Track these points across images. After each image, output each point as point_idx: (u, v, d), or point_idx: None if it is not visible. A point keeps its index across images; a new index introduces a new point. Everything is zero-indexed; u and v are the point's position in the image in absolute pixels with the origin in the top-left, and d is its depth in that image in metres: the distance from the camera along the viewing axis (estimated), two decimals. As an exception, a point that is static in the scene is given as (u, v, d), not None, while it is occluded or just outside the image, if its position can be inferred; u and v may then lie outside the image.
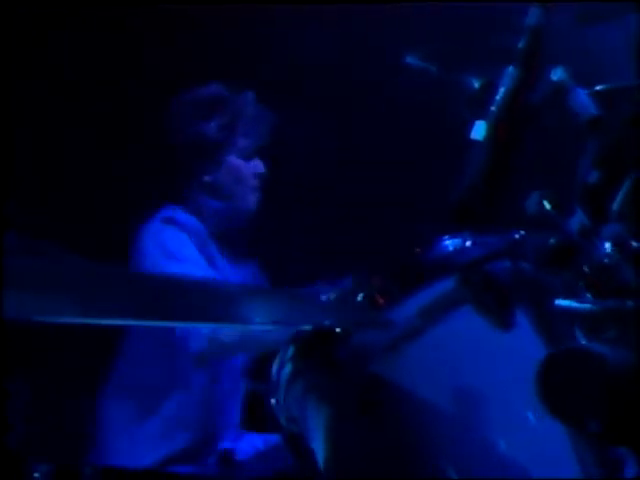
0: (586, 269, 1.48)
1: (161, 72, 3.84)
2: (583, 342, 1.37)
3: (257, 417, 3.05)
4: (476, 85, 1.70)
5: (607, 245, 1.50)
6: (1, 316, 1.08)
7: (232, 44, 3.90)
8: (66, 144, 3.88)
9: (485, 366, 1.49)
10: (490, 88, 1.65)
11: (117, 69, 3.90)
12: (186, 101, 3.17)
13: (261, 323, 1.32)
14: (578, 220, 1.55)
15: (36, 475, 1.68)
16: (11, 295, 1.08)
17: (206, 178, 3.14)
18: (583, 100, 1.61)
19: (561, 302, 1.41)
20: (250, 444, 3.03)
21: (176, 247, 3.03)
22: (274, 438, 2.75)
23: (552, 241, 1.46)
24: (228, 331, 2.82)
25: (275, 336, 1.94)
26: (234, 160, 3.15)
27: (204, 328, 2.76)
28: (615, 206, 1.58)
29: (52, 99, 3.79)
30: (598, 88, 1.65)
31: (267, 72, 3.76)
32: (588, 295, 1.42)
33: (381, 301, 1.52)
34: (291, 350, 1.60)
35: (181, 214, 3.12)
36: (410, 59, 1.89)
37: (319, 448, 1.60)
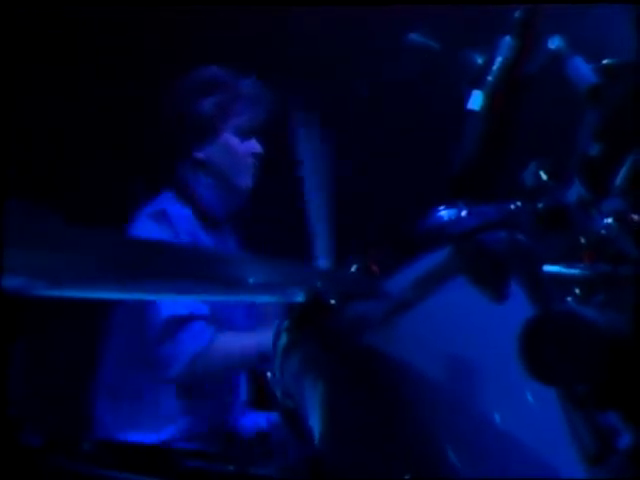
0: (583, 240, 1.47)
1: (159, 56, 3.84)
2: (571, 305, 1.36)
3: (261, 396, 3.05)
4: (479, 61, 1.69)
5: (607, 219, 1.48)
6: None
7: (233, 29, 3.90)
8: (61, 126, 3.89)
9: (480, 337, 1.48)
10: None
11: (114, 51, 3.90)
12: (185, 82, 3.17)
13: (254, 286, 1.30)
14: (576, 192, 1.54)
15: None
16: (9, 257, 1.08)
17: (200, 155, 3.14)
18: (582, 69, 1.60)
19: (551, 267, 1.40)
20: (253, 422, 3.03)
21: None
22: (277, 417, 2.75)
23: (540, 205, 1.44)
24: (207, 361, 2.84)
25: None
26: (229, 138, 3.14)
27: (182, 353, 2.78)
28: (617, 181, 1.57)
29: (49, 79, 3.80)
30: (601, 61, 1.64)
31: (268, 55, 3.76)
32: (581, 264, 1.41)
33: (376, 271, 1.51)
34: (286, 322, 1.59)
35: (173, 206, 3.11)
36: (412, 36, 1.88)
37: (315, 424, 1.60)
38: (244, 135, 3.15)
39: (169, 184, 3.16)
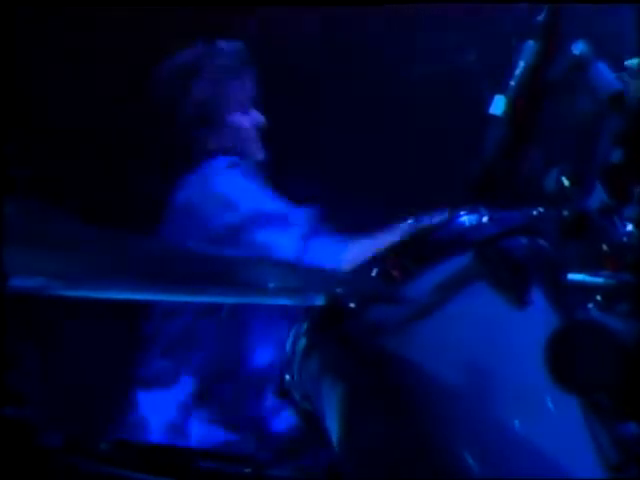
0: (605, 247, 1.46)
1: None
2: (595, 315, 1.36)
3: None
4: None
5: (629, 225, 1.48)
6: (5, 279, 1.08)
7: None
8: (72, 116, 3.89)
9: (500, 343, 1.48)
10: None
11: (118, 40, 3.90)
12: (173, 65, 3.12)
13: (275, 289, 1.30)
14: (598, 198, 1.53)
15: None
16: (17, 256, 1.08)
17: (213, 145, 3.10)
18: (605, 74, 1.59)
19: (575, 276, 1.40)
20: (287, 422, 3.02)
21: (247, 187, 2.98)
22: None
23: (565, 213, 1.44)
24: None
25: None
26: (235, 117, 3.10)
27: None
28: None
29: (57, 66, 3.80)
30: (624, 64, 1.63)
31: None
32: (604, 272, 1.40)
33: (396, 276, 1.51)
34: (305, 325, 1.59)
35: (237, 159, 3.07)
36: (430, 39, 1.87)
37: (332, 426, 1.60)
38: (244, 108, 3.11)
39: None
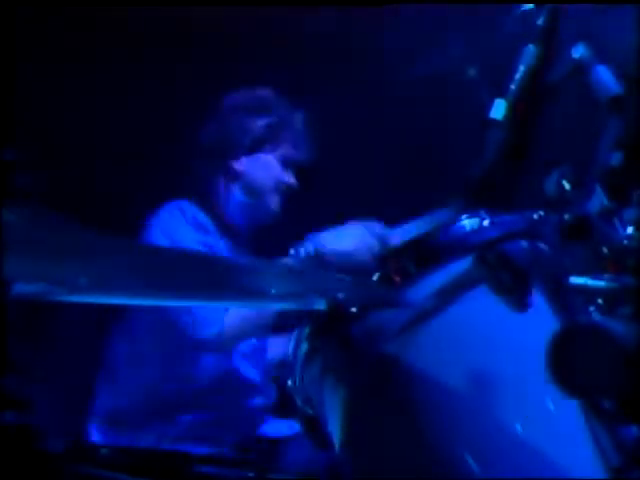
0: (605, 250, 1.46)
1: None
2: (597, 318, 1.36)
3: (284, 403, 3.05)
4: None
5: (629, 228, 1.48)
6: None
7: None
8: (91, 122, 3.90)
9: (501, 346, 1.48)
10: None
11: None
12: (236, 98, 3.19)
13: (276, 295, 1.30)
14: (598, 201, 1.53)
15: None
16: (19, 262, 1.08)
17: (239, 166, 3.15)
18: (605, 78, 1.59)
19: (576, 279, 1.40)
20: (275, 429, 3.03)
21: (179, 230, 3.03)
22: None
23: (567, 217, 1.44)
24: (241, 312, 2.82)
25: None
26: (271, 160, 3.17)
27: (214, 310, 2.76)
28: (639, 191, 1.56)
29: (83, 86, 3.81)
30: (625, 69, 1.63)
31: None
32: (605, 275, 1.40)
33: (397, 280, 1.51)
34: (307, 329, 1.59)
35: (191, 207, 3.12)
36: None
37: (335, 431, 1.60)
38: (286, 164, 3.19)
39: (188, 193, 3.16)
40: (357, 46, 3.87)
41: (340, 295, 1.40)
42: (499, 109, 1.59)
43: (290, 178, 3.18)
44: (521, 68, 1.60)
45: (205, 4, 3.75)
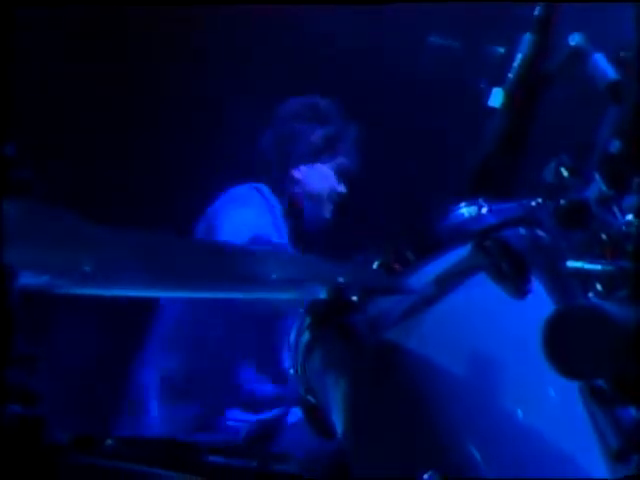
0: (604, 236, 1.47)
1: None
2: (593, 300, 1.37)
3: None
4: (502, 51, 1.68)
5: (628, 215, 1.48)
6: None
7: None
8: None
9: (501, 333, 1.49)
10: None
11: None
12: (295, 105, 3.23)
13: (276, 282, 1.31)
14: (596, 188, 1.54)
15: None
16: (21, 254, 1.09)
17: (297, 174, 3.21)
18: (602, 65, 1.60)
19: (574, 263, 1.40)
20: (243, 420, 3.06)
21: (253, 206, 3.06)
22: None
23: (564, 203, 1.45)
24: None
25: None
26: (327, 170, 3.21)
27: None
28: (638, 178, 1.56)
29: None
30: (620, 54, 1.64)
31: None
32: (603, 260, 1.41)
33: (397, 268, 1.52)
34: (308, 319, 1.60)
35: (265, 187, 3.15)
36: (433, 38, 1.89)
37: (338, 419, 1.61)
38: (340, 175, 3.23)
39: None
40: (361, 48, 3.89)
41: (340, 282, 1.41)
42: (497, 97, 1.60)
43: (343, 188, 3.24)
44: (518, 56, 1.61)
45: (203, 3, 3.78)
